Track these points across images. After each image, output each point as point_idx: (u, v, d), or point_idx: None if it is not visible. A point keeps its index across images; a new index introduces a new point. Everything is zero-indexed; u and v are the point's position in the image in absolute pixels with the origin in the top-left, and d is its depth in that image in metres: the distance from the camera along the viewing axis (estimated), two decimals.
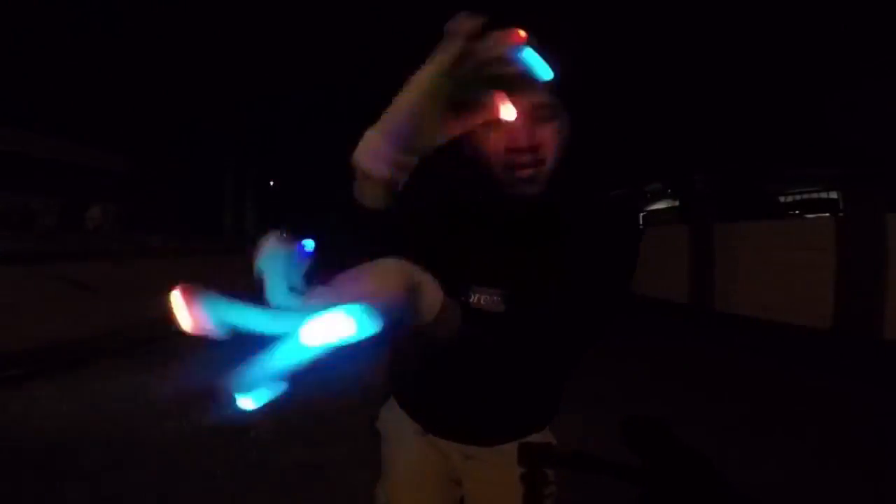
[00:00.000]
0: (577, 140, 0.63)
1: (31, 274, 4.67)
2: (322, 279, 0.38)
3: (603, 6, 7.04)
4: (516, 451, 0.81)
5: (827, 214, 8.48)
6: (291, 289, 0.44)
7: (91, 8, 5.45)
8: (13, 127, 5.36)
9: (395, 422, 0.87)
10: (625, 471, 2.22)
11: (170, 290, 0.35)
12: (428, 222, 0.72)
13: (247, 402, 0.34)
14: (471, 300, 0.68)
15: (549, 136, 0.58)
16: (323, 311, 0.31)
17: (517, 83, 0.49)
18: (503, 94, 0.49)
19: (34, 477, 2.17)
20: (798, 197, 11.14)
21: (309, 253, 0.46)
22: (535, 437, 0.83)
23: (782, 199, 11.31)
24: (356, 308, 0.32)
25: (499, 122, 0.53)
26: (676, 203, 10.57)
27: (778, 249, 5.78)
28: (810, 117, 5.61)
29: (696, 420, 2.82)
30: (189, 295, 0.34)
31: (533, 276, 0.66)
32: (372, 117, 0.54)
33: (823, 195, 10.42)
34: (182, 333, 0.36)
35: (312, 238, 0.51)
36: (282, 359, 0.32)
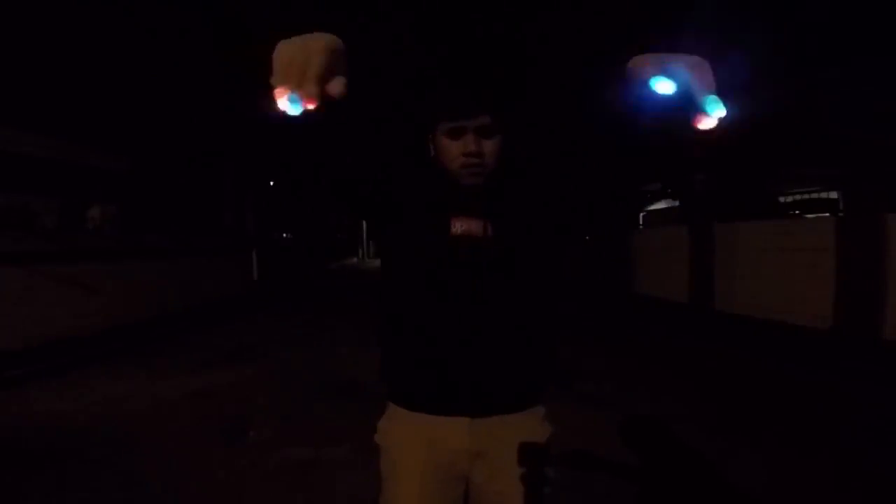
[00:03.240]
0: (512, 148, 0.87)
1: (31, 274, 4.67)
2: None
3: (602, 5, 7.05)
4: (522, 436, 0.86)
5: (827, 214, 8.48)
6: None
7: (91, 7, 5.45)
8: (13, 127, 5.36)
9: (397, 435, 0.86)
10: (624, 470, 2.22)
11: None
12: (407, 175, 0.90)
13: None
14: (452, 230, 0.82)
15: (491, 147, 0.82)
16: None
17: (469, 109, 0.80)
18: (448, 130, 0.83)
19: (34, 476, 2.17)
20: (798, 197, 11.14)
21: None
22: (536, 426, 0.89)
23: (782, 199, 11.31)
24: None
25: (457, 136, 0.81)
26: (676, 203, 10.57)
27: (778, 249, 5.78)
28: (810, 117, 5.61)
29: (696, 420, 2.82)
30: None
31: (501, 209, 0.85)
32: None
33: (823, 195, 10.43)
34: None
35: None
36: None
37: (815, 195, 10.71)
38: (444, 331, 0.81)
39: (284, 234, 17.26)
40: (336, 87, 0.48)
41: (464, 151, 0.81)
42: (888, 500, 1.96)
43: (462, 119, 0.81)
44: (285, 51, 0.47)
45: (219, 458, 2.33)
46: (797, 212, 10.49)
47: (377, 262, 1.14)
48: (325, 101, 0.47)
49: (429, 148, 0.88)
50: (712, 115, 0.48)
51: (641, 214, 13.79)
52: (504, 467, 0.83)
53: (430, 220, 0.84)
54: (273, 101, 0.46)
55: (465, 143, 0.81)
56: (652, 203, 13.28)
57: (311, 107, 0.46)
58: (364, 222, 17.58)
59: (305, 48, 0.47)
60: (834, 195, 9.68)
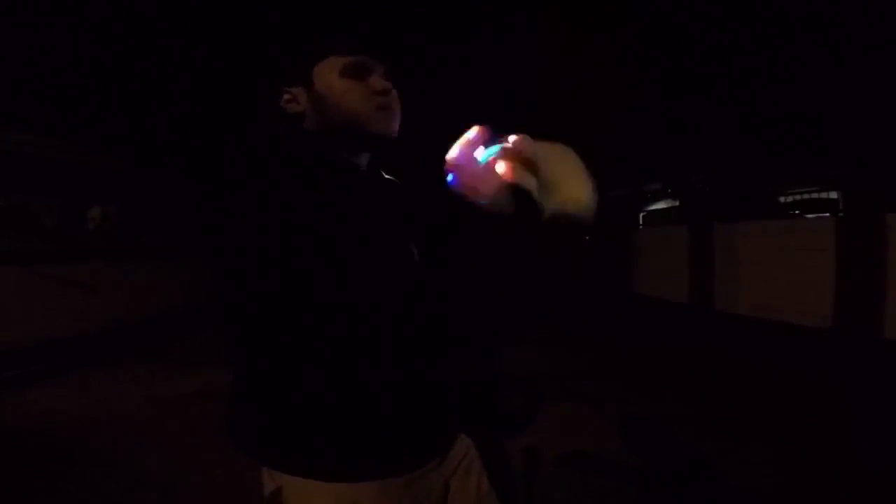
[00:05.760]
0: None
1: (31, 274, 4.66)
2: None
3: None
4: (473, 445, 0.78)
5: (827, 214, 8.48)
6: None
7: (91, 7, 5.45)
8: (13, 127, 5.35)
9: None
10: (624, 470, 2.22)
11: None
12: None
13: None
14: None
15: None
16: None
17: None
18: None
19: (35, 476, 2.17)
20: (798, 197, 11.14)
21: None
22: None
23: (782, 199, 11.31)
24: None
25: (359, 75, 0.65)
26: (676, 203, 10.57)
27: (778, 249, 5.78)
28: (810, 117, 5.61)
29: (696, 420, 2.82)
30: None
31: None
32: None
33: (823, 195, 10.42)
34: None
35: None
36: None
37: (815, 195, 10.71)
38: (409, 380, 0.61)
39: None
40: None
41: (377, 89, 0.65)
42: (888, 500, 1.96)
43: (364, 52, 0.65)
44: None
45: (218, 458, 2.33)
46: (797, 212, 10.49)
47: None
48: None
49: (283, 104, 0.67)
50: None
51: (641, 214, 13.79)
52: (470, 473, 0.76)
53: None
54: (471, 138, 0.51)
55: (374, 81, 0.65)
56: (652, 203, 13.27)
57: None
58: None
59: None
60: (834, 195, 9.68)
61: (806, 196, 10.92)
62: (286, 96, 0.68)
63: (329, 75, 0.65)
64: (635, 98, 7.75)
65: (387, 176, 0.78)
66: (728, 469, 2.20)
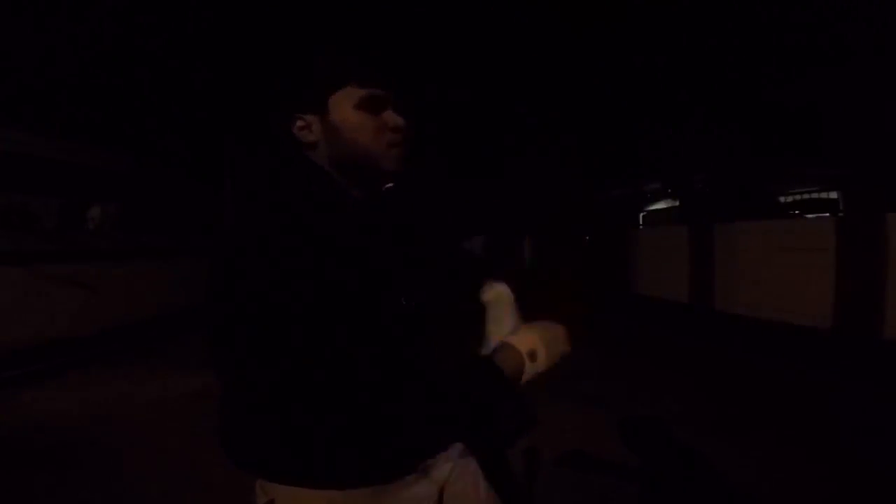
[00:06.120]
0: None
1: (31, 274, 4.66)
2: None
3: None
4: None
5: (827, 214, 8.48)
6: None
7: (90, 7, 5.45)
8: (13, 127, 5.35)
9: None
10: (624, 470, 2.21)
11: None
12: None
13: None
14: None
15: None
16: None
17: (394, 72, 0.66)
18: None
19: (35, 476, 2.17)
20: (798, 197, 11.14)
21: None
22: None
23: (782, 199, 11.32)
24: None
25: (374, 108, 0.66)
26: (676, 203, 10.57)
27: (778, 249, 5.78)
28: (809, 117, 5.61)
29: (696, 420, 2.82)
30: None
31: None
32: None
33: (823, 195, 10.43)
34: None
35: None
36: None
37: (815, 195, 10.71)
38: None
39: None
40: None
41: (390, 126, 0.65)
42: (888, 500, 1.96)
43: (381, 85, 0.64)
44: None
45: (218, 458, 2.33)
46: (797, 212, 10.50)
47: None
48: None
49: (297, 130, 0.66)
50: None
51: (641, 214, 13.80)
52: (465, 476, 0.77)
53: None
54: None
55: (387, 117, 0.66)
56: (652, 203, 13.27)
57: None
58: None
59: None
60: (834, 195, 9.68)
61: (806, 196, 10.93)
62: (300, 123, 0.66)
63: (345, 107, 0.64)
64: (635, 98, 7.75)
65: (396, 202, 0.78)
66: (728, 469, 2.20)
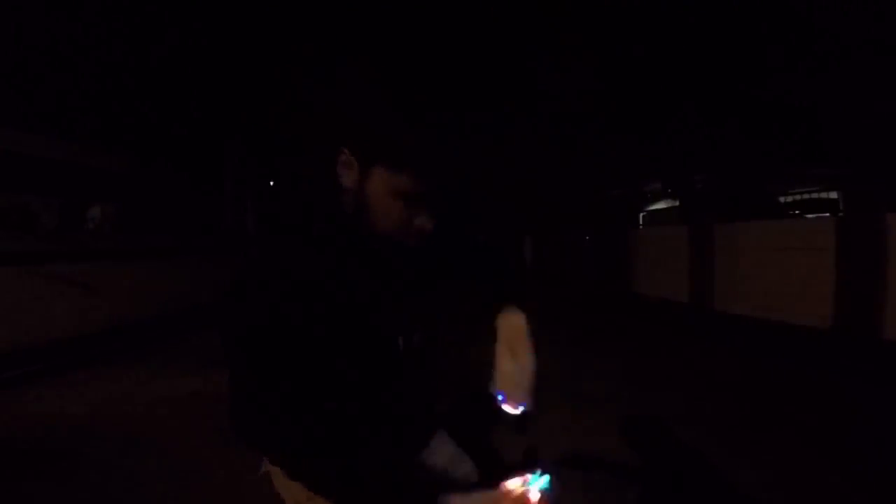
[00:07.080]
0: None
1: (31, 274, 4.66)
2: None
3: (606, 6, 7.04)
4: None
5: (827, 214, 8.49)
6: None
7: (90, 7, 5.45)
8: (13, 127, 5.35)
9: None
10: (624, 470, 2.22)
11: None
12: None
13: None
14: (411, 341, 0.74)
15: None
16: None
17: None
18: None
19: (34, 476, 2.17)
20: (798, 197, 11.15)
21: None
22: None
23: (782, 199, 11.33)
24: None
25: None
26: (676, 203, 10.58)
27: (778, 249, 5.78)
28: (810, 117, 5.61)
29: (696, 420, 2.82)
30: None
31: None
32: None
33: (823, 195, 10.44)
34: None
35: None
36: None
37: (815, 195, 10.72)
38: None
39: None
40: None
41: (417, 225, 0.67)
42: (888, 500, 1.96)
43: (425, 186, 0.64)
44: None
45: (219, 458, 2.33)
46: (797, 212, 10.51)
47: None
48: None
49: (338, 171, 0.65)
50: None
51: (641, 214, 13.81)
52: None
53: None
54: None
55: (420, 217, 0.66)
56: (652, 203, 13.28)
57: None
58: None
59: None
60: (834, 195, 9.68)
61: (806, 196, 10.94)
62: (343, 157, 0.64)
63: (383, 187, 0.63)
64: (635, 98, 7.75)
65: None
66: (728, 469, 2.20)
